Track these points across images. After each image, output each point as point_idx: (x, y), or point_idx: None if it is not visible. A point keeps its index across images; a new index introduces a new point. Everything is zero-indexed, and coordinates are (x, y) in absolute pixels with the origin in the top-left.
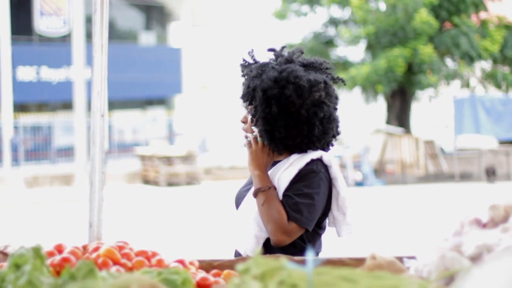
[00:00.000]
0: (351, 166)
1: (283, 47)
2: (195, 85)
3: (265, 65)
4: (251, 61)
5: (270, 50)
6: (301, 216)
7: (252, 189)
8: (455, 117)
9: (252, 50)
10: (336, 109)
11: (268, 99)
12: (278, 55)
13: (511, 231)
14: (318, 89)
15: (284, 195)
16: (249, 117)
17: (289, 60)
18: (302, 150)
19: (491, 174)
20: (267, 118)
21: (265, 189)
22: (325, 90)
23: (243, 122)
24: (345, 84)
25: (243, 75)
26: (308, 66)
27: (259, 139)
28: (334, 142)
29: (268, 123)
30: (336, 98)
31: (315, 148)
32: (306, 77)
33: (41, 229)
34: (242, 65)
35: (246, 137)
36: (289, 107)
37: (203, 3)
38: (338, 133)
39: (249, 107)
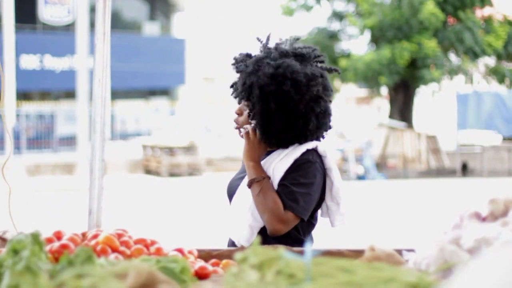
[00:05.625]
0: (353, 159)
1: (268, 36)
2: (198, 76)
3: (260, 59)
4: (244, 54)
5: (256, 39)
6: (297, 205)
7: (246, 179)
8: (458, 112)
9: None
10: (330, 102)
11: (266, 96)
12: (265, 46)
13: (510, 225)
14: (316, 83)
15: (280, 184)
16: (246, 111)
17: (283, 53)
18: (293, 143)
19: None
20: (264, 114)
21: (259, 179)
22: (322, 84)
23: (238, 114)
24: (339, 73)
25: (238, 70)
26: (299, 56)
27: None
28: (325, 135)
29: (265, 118)
30: (331, 90)
31: (306, 142)
32: (303, 71)
33: (42, 216)
34: (235, 59)
35: (243, 128)
36: (287, 102)
37: None
38: (330, 127)
39: (246, 102)
